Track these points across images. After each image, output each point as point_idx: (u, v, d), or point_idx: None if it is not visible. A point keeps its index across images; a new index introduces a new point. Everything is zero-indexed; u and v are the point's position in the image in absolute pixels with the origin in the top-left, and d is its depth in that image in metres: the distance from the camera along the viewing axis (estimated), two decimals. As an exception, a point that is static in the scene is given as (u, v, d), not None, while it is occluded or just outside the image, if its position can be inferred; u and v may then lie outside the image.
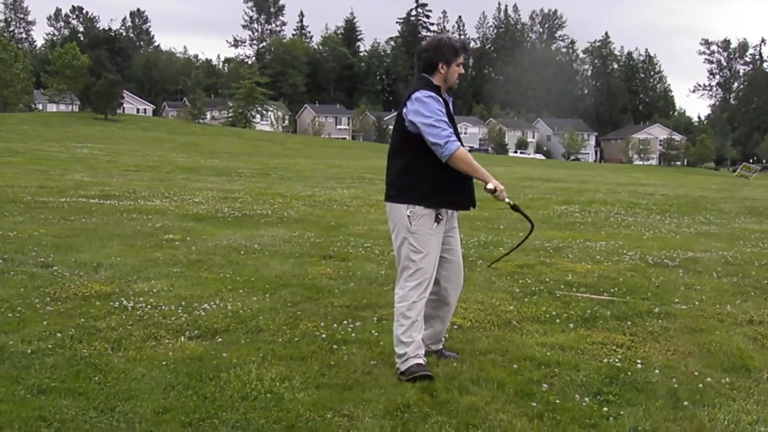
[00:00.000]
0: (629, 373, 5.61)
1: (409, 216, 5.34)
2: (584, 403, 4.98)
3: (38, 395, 4.74)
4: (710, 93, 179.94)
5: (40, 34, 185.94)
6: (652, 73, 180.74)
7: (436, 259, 5.48)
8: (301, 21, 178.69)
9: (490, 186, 5.30)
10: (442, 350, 5.90)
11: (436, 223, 5.44)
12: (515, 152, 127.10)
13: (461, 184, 5.49)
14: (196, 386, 5.00)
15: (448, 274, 5.65)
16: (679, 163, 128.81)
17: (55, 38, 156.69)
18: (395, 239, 5.49)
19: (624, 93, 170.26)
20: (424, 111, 5.23)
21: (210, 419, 4.51)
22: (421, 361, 5.35)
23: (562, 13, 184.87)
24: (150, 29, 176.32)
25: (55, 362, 5.34)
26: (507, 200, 5.47)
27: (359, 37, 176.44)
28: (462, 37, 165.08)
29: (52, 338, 5.89)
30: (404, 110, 5.36)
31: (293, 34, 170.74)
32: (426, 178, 5.34)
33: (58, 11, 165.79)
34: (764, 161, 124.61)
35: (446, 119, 5.28)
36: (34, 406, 4.55)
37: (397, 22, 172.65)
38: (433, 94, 5.32)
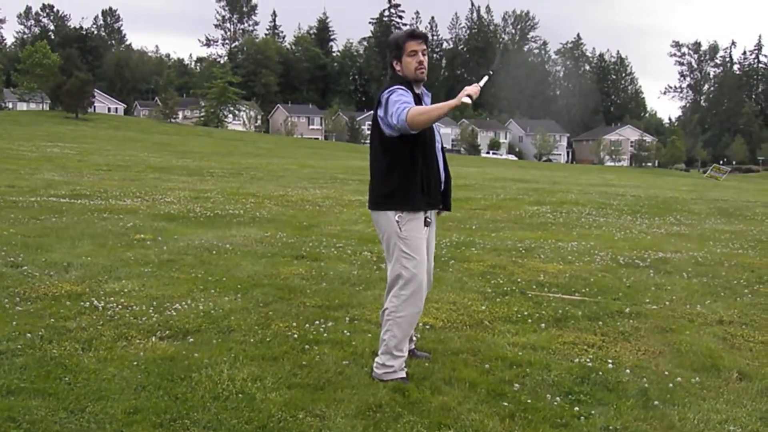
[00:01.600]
0: (600, 373, 5.64)
1: (398, 221, 5.28)
2: (555, 403, 5.00)
3: (7, 396, 4.71)
4: (681, 95, 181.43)
5: (10, 33, 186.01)
6: (624, 74, 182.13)
7: (425, 265, 5.46)
8: (274, 21, 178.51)
9: (465, 99, 5.01)
10: (414, 350, 5.89)
11: (425, 228, 5.43)
12: (487, 153, 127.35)
13: (439, 183, 5.49)
14: (167, 386, 4.97)
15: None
16: (650, 164, 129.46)
17: (25, 36, 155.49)
18: (386, 247, 5.41)
19: (596, 94, 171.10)
20: (390, 102, 5.14)
21: (181, 420, 4.49)
22: (405, 374, 5.35)
23: (534, 15, 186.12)
24: (122, 28, 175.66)
25: (25, 363, 5.30)
26: (478, 86, 5.19)
27: (332, 37, 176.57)
28: (435, 37, 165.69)
29: (21, 338, 5.84)
30: (378, 115, 5.29)
31: (266, 34, 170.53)
32: (409, 181, 5.28)
33: (28, 9, 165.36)
34: (734, 163, 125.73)
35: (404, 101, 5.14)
36: (3, 407, 4.51)
37: (369, 23, 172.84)
38: (394, 87, 5.24)
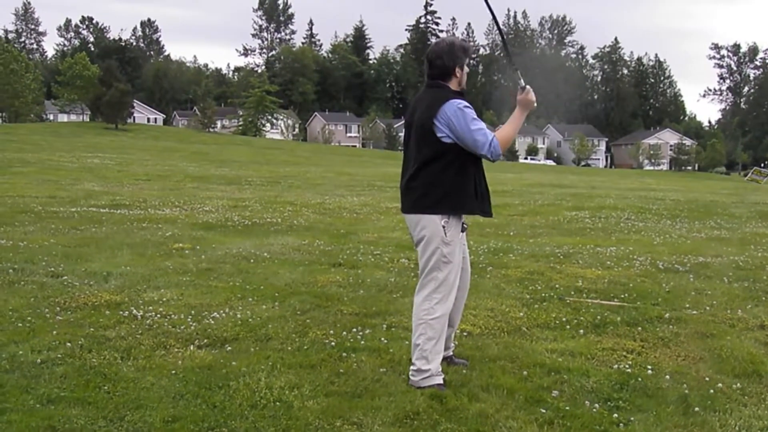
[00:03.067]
0: (639, 379, 5.59)
1: (444, 227, 5.28)
2: (594, 410, 4.96)
3: (48, 405, 4.75)
4: (721, 97, 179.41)
5: (50, 45, 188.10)
6: (662, 77, 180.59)
7: (459, 269, 5.47)
8: (311, 29, 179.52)
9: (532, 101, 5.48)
10: (452, 357, 5.88)
11: (462, 233, 5.45)
12: (525, 158, 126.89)
13: (486, 191, 5.51)
14: (205, 395, 5.00)
15: (461, 281, 5.62)
16: (689, 167, 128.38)
17: (65, 49, 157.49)
18: (425, 250, 5.36)
19: (634, 98, 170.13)
20: (465, 120, 5.16)
21: (219, 428, 4.50)
22: (442, 380, 5.34)
23: (571, 19, 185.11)
24: (160, 39, 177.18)
25: (65, 372, 5.35)
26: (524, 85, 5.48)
27: (368, 44, 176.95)
28: (472, 43, 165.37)
29: (61, 348, 5.90)
30: (436, 120, 5.22)
31: (303, 43, 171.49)
32: (458, 187, 5.30)
33: (68, 22, 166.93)
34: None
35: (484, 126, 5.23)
36: (43, 415, 4.55)
37: (406, 30, 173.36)
38: (466, 103, 5.25)
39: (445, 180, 5.28)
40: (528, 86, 5.44)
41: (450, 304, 5.42)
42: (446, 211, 5.29)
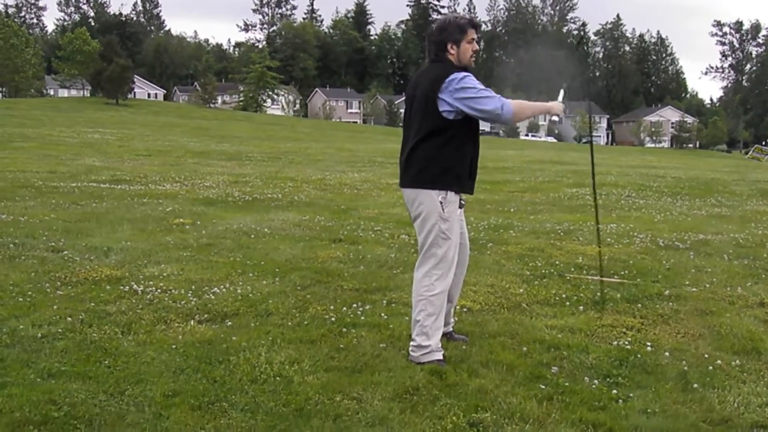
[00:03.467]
0: (639, 356, 5.61)
1: (441, 202, 5.29)
2: (594, 386, 4.98)
3: (48, 379, 4.76)
4: (722, 75, 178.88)
5: (50, 20, 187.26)
6: (664, 55, 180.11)
7: (457, 245, 5.48)
8: (312, 5, 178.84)
9: (554, 118, 5.55)
10: (452, 333, 5.90)
11: (460, 209, 5.47)
12: (526, 135, 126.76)
13: (475, 168, 5.51)
14: (205, 369, 5.01)
15: (460, 257, 5.63)
16: (691, 145, 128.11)
17: (65, 23, 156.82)
18: (422, 226, 5.38)
19: (636, 75, 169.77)
20: (469, 88, 5.16)
21: (219, 402, 4.52)
22: (442, 356, 5.36)
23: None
24: (161, 14, 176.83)
25: (66, 346, 5.36)
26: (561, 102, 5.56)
27: (370, 20, 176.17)
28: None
29: (62, 322, 5.91)
30: (440, 94, 5.21)
31: (304, 18, 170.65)
32: (457, 164, 5.31)
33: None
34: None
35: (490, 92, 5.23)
36: (44, 389, 4.57)
37: (407, 5, 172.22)
38: (462, 72, 5.24)
39: (445, 155, 5.29)
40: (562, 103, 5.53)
41: (450, 281, 5.44)
42: (443, 187, 5.30)
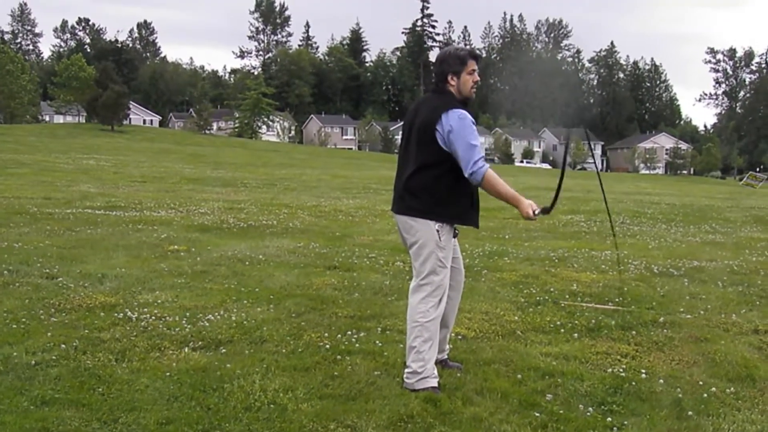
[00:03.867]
0: (633, 383, 5.60)
1: (438, 231, 5.31)
2: (588, 413, 4.97)
3: (42, 406, 4.75)
4: (716, 102, 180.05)
5: (46, 46, 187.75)
6: (658, 82, 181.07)
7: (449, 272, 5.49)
8: (307, 32, 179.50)
9: (526, 215, 5.28)
10: (447, 360, 5.89)
11: (454, 239, 5.50)
12: (521, 162, 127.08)
13: (478, 202, 5.54)
14: (199, 397, 5.00)
15: (454, 283, 5.65)
16: (685, 172, 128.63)
17: (61, 50, 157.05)
18: (419, 253, 5.38)
19: (630, 102, 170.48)
20: (463, 132, 5.17)
21: (213, 430, 4.51)
22: (436, 383, 5.34)
23: (567, 23, 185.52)
24: (156, 40, 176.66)
25: (59, 373, 5.35)
26: (538, 212, 5.32)
27: (365, 47, 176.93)
28: (468, 47, 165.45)
29: (56, 349, 5.89)
30: (438, 125, 5.23)
31: (299, 45, 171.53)
32: (453, 196, 5.33)
33: (64, 23, 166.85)
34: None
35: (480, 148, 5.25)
36: (37, 417, 4.55)
37: (402, 33, 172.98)
38: (466, 112, 5.26)
39: (443, 186, 5.31)
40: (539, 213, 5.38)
41: (444, 307, 5.45)
42: (440, 219, 5.32)
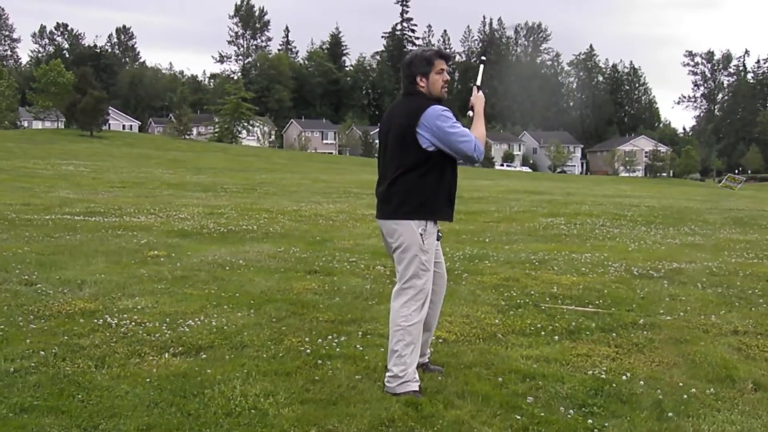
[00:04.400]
0: (614, 385, 5.61)
1: (421, 234, 5.32)
2: (569, 416, 4.98)
3: (21, 414, 4.71)
4: (695, 104, 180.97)
5: (25, 52, 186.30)
6: (637, 85, 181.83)
7: (432, 276, 5.51)
8: (287, 36, 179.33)
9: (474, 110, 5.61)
10: (428, 364, 5.89)
11: (437, 241, 5.50)
12: (501, 165, 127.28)
13: (454, 196, 5.56)
14: (180, 403, 4.98)
15: (437, 287, 5.66)
16: (664, 174, 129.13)
17: (40, 55, 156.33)
18: (402, 257, 5.39)
19: (609, 105, 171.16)
20: (448, 128, 5.22)
21: (194, 436, 4.49)
22: (418, 387, 5.34)
23: (546, 26, 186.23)
24: (135, 46, 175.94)
25: (38, 380, 5.31)
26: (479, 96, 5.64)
27: (345, 51, 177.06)
28: (447, 50, 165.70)
29: (35, 356, 5.85)
30: (419, 128, 5.25)
31: (279, 50, 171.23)
32: (436, 194, 5.36)
33: (42, 28, 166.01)
34: (749, 172, 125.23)
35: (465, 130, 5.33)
36: (16, 425, 4.52)
37: (382, 37, 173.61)
38: (438, 106, 5.30)
39: (425, 187, 5.32)
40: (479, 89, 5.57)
41: (426, 311, 5.46)
42: (423, 217, 5.33)
